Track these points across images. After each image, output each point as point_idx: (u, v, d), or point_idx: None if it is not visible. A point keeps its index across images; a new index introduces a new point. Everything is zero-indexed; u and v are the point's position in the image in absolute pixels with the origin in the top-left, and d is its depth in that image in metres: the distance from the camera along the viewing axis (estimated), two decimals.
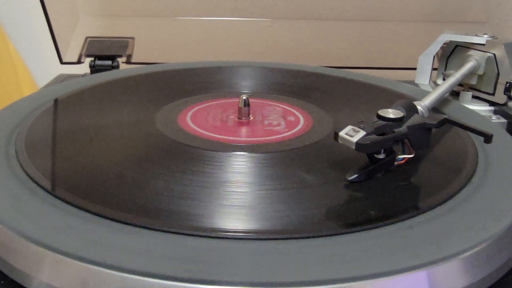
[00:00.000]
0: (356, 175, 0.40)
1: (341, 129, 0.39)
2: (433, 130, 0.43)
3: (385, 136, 0.40)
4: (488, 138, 0.41)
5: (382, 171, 0.42)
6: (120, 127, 0.51)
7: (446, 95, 0.62)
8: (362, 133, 0.38)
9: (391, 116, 0.41)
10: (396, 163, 0.42)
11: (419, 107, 0.45)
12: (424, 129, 0.42)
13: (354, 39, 0.89)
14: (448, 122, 0.43)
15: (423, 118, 0.43)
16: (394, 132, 0.40)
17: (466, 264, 0.32)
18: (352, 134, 0.38)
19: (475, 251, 0.33)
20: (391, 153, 0.42)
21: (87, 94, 0.61)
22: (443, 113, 0.57)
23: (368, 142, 0.38)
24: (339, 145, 0.39)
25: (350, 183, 0.40)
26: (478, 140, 0.47)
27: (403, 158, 0.42)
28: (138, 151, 0.47)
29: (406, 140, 0.42)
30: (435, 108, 0.58)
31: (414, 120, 0.42)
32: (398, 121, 0.41)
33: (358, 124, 0.39)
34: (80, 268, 0.30)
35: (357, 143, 0.38)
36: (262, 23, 0.89)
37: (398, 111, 0.42)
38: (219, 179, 0.41)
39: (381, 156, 0.41)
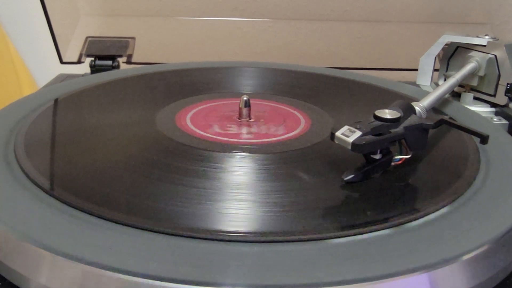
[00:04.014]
0: (352, 175, 0.40)
1: (337, 129, 0.39)
2: (434, 131, 0.43)
3: (381, 136, 0.40)
4: (484, 139, 0.41)
5: (379, 172, 0.42)
6: (120, 127, 0.51)
7: (447, 96, 0.62)
8: (358, 133, 0.38)
9: (388, 116, 0.41)
10: (393, 163, 0.42)
11: (416, 108, 0.45)
12: (421, 129, 0.42)
13: (356, 40, 0.89)
14: (444, 123, 0.43)
15: (420, 118, 0.43)
16: (390, 132, 0.40)
17: (467, 267, 0.32)
18: (348, 134, 0.38)
19: (476, 254, 0.33)
20: (387, 154, 0.41)
21: (87, 94, 0.61)
22: (445, 114, 0.57)
23: (364, 143, 0.38)
24: (340, 146, 0.39)
25: (347, 183, 0.40)
26: None
27: (400, 159, 0.42)
28: (138, 151, 0.46)
29: (403, 141, 0.42)
30: (436, 109, 0.58)
31: (411, 120, 0.42)
32: (395, 121, 0.41)
33: (355, 124, 0.39)
34: (78, 270, 0.30)
35: (353, 143, 0.38)
36: (263, 23, 0.89)
37: (395, 111, 0.42)
38: (219, 180, 0.41)
39: (378, 156, 0.41)
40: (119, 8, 0.86)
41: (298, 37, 0.89)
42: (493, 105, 0.66)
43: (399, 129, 0.41)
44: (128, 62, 0.81)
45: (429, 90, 0.69)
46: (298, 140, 0.49)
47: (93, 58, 0.79)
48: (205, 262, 0.31)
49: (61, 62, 0.81)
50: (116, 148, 0.47)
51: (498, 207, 0.39)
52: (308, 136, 0.50)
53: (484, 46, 0.66)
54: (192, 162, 0.43)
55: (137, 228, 0.34)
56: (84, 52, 0.81)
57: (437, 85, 0.72)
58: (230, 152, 0.46)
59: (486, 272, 0.33)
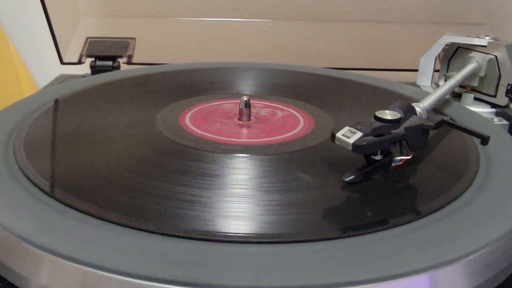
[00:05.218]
0: (353, 176, 0.40)
1: (338, 130, 0.39)
2: (435, 131, 0.43)
3: (382, 137, 0.40)
4: (484, 140, 0.41)
5: (379, 173, 0.42)
6: (121, 128, 0.51)
7: (447, 96, 0.62)
8: (358, 134, 0.38)
9: (388, 117, 0.41)
10: (393, 164, 0.42)
11: (417, 109, 0.45)
12: (421, 130, 0.42)
13: (356, 40, 0.89)
14: (445, 124, 0.43)
15: (420, 119, 0.43)
16: (391, 133, 0.40)
17: (468, 268, 0.32)
18: (349, 135, 0.38)
19: (477, 255, 0.33)
20: (388, 155, 0.41)
21: (87, 95, 0.61)
22: (445, 115, 0.57)
23: (365, 143, 0.38)
24: (340, 147, 0.39)
25: (347, 184, 0.40)
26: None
27: (401, 160, 0.42)
28: (138, 152, 0.46)
29: (404, 142, 0.42)
30: (436, 110, 0.58)
31: (411, 121, 0.42)
32: (395, 122, 0.41)
33: (355, 125, 0.39)
34: (78, 271, 0.30)
35: (353, 144, 0.38)
36: (263, 24, 0.89)
37: (396, 112, 0.41)
38: (219, 181, 0.41)
39: (378, 157, 0.41)
40: (119, 9, 0.86)
41: (298, 37, 0.89)
42: (493, 105, 0.66)
43: (400, 130, 0.41)
44: (129, 62, 0.81)
45: (430, 90, 0.69)
46: (298, 141, 0.49)
47: (93, 59, 0.79)
48: (205, 263, 0.31)
49: (62, 62, 0.81)
50: (116, 149, 0.47)
51: (499, 208, 0.38)
52: (308, 137, 0.50)
53: (485, 46, 0.66)
54: (192, 162, 0.43)
55: (137, 229, 0.33)
56: (84, 52, 0.81)
57: (437, 85, 0.72)
58: (230, 153, 0.46)
59: (487, 273, 0.33)
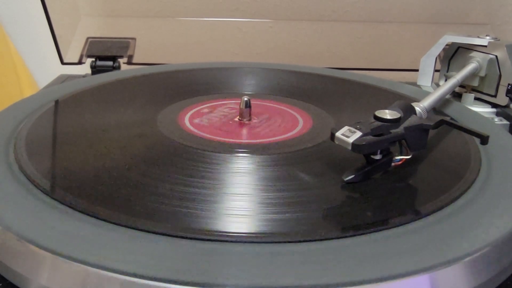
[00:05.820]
0: (352, 176, 0.40)
1: (337, 130, 0.39)
2: (436, 131, 0.43)
3: (382, 137, 0.40)
4: (483, 140, 0.41)
5: (379, 172, 0.41)
6: (121, 128, 0.51)
7: (448, 96, 0.62)
8: (358, 133, 0.38)
9: (388, 117, 0.41)
10: (393, 164, 0.42)
11: (417, 108, 0.45)
12: (421, 130, 0.42)
13: (356, 40, 0.89)
14: (444, 123, 0.43)
15: (420, 119, 0.43)
16: (390, 133, 0.40)
17: (469, 268, 0.32)
18: (348, 135, 0.38)
19: (477, 255, 0.33)
20: (387, 154, 0.41)
21: (88, 95, 0.61)
22: (445, 115, 0.57)
23: (364, 143, 0.38)
24: (340, 146, 0.39)
25: (347, 184, 0.40)
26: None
27: (401, 159, 0.42)
28: (139, 152, 0.46)
29: (403, 141, 0.42)
30: (437, 110, 0.58)
31: (411, 121, 0.42)
32: (395, 122, 0.41)
33: (355, 124, 0.39)
34: (79, 271, 0.30)
35: (353, 144, 0.38)
36: (264, 24, 0.89)
37: (395, 112, 0.41)
38: (220, 180, 0.41)
39: (378, 157, 0.41)
40: (120, 9, 0.86)
41: (299, 37, 0.89)
42: (494, 105, 0.66)
43: (399, 129, 0.41)
44: (129, 62, 0.81)
45: (430, 90, 0.69)
46: (298, 140, 0.49)
47: (93, 59, 0.80)
48: (206, 263, 0.31)
49: (62, 63, 0.81)
50: (117, 149, 0.47)
51: (499, 208, 0.38)
52: (308, 136, 0.50)
53: (485, 46, 0.66)
54: (193, 162, 0.43)
55: (138, 229, 0.33)
56: (84, 53, 0.81)
57: (438, 85, 0.72)
58: (230, 152, 0.46)
59: (488, 273, 0.33)
